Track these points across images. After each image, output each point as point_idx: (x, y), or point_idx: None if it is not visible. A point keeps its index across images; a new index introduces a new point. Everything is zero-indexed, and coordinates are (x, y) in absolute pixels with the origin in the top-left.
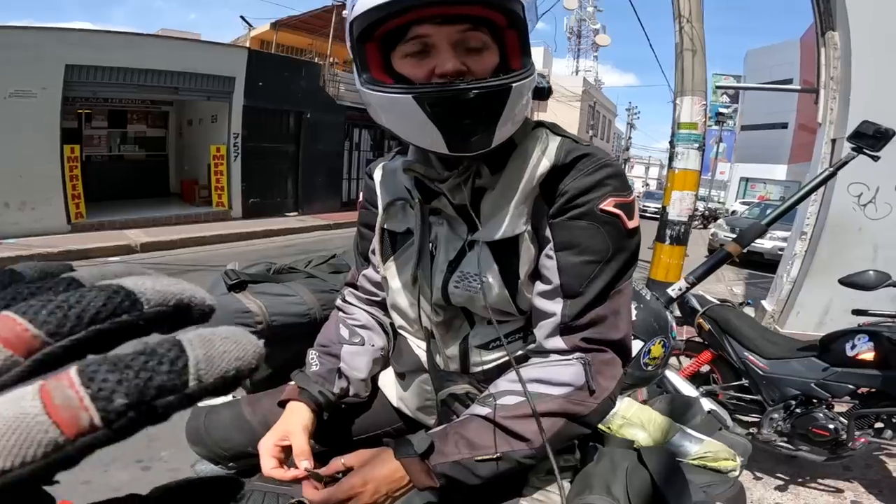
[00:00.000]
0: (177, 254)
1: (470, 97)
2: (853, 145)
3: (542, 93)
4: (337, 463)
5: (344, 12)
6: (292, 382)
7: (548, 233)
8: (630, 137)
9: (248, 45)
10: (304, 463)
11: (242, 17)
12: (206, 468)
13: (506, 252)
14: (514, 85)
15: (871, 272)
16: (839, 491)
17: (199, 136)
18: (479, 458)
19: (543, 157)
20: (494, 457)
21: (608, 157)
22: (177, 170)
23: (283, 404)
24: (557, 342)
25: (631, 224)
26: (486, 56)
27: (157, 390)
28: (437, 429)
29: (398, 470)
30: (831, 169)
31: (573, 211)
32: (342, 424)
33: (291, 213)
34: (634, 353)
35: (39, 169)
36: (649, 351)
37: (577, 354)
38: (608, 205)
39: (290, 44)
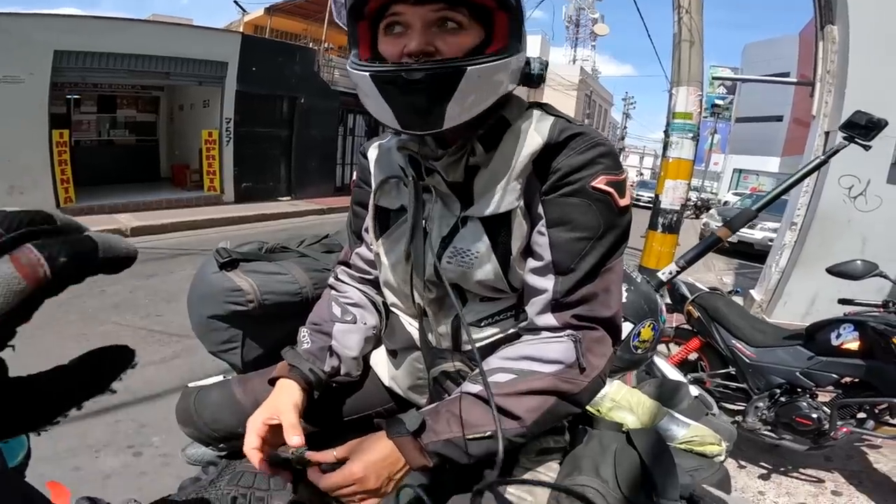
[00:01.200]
0: (167, 238)
1: (416, 78)
2: (845, 134)
3: (531, 79)
4: (329, 454)
5: None
6: (283, 360)
7: (540, 210)
8: (626, 127)
9: (241, 30)
10: (295, 439)
11: (236, 2)
12: (197, 451)
13: (498, 228)
14: (469, 68)
15: (858, 262)
16: (820, 481)
17: (191, 121)
18: (471, 436)
19: (537, 136)
20: (486, 435)
21: (601, 136)
22: (168, 154)
23: (273, 382)
24: (549, 319)
25: (622, 202)
26: (459, 37)
27: (82, 255)
28: (428, 407)
29: (393, 451)
30: (823, 157)
31: (565, 188)
32: (333, 404)
33: (284, 198)
34: (624, 335)
35: (28, 154)
36: (639, 333)
37: (568, 331)
38: (600, 182)
39: (284, 29)
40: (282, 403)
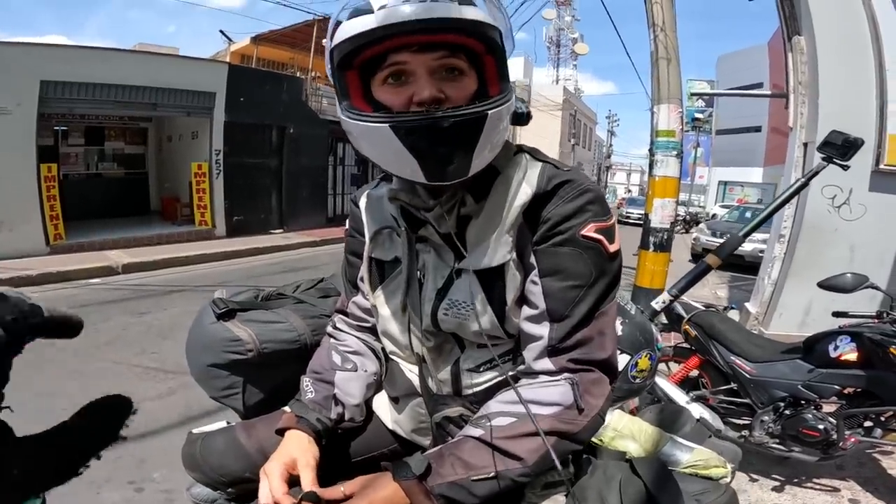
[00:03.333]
0: (159, 274)
1: (445, 126)
2: (823, 155)
3: (521, 118)
4: (336, 490)
5: (324, 41)
6: (288, 410)
7: (532, 259)
8: (611, 145)
9: (228, 59)
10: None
11: (222, 32)
12: (202, 492)
13: (492, 280)
14: (490, 112)
15: (848, 275)
16: (835, 490)
17: (180, 153)
18: (475, 477)
19: (526, 186)
20: (490, 476)
21: (588, 181)
22: (157, 187)
23: (280, 432)
24: (546, 364)
25: (612, 248)
26: (464, 82)
27: (28, 314)
28: (432, 451)
29: (398, 492)
30: (803, 179)
31: (556, 238)
32: (338, 448)
33: (276, 231)
34: (622, 366)
35: (15, 188)
36: (636, 364)
37: (565, 375)
38: (589, 230)
39: (271, 58)
40: (301, 455)
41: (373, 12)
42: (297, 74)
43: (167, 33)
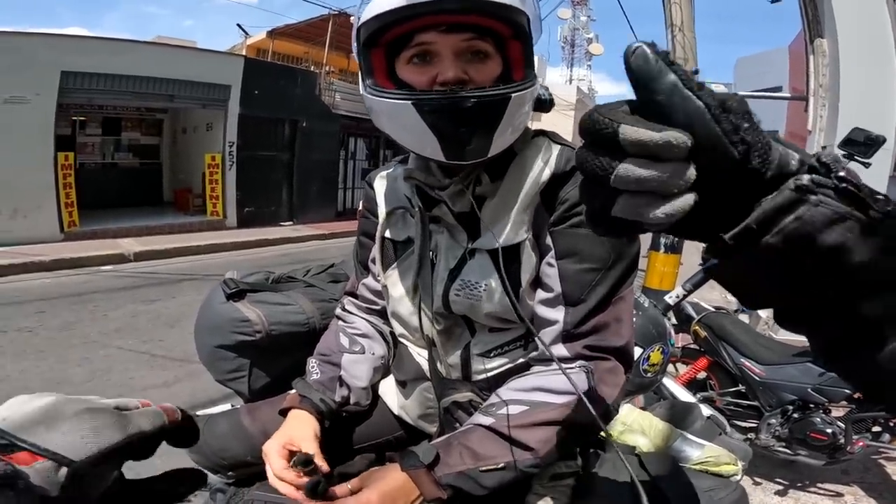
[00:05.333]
0: (170, 263)
1: (468, 105)
2: (844, 152)
3: (544, 104)
4: (343, 488)
5: (352, 18)
6: (293, 391)
7: (549, 241)
8: None
9: (244, 52)
10: (323, 467)
11: (239, 25)
12: None
13: (507, 260)
14: (513, 95)
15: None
16: (839, 495)
17: (194, 145)
18: (484, 468)
19: (544, 166)
20: (499, 467)
21: None
22: (170, 178)
23: (283, 413)
24: (560, 349)
25: None
26: (488, 65)
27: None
28: (440, 439)
29: (407, 482)
30: None
31: (574, 219)
32: (343, 433)
33: (286, 223)
34: (635, 358)
35: (33, 176)
36: (648, 357)
37: (580, 362)
38: None
39: (286, 52)
40: (300, 433)
41: None
42: (312, 69)
43: (185, 27)
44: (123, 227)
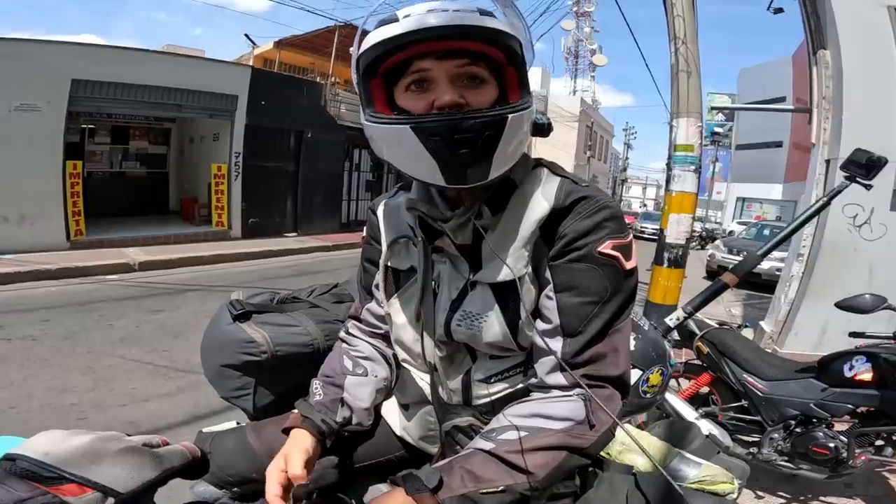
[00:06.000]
0: (175, 273)
1: (466, 127)
2: (846, 174)
3: (542, 129)
4: None
5: (351, 50)
6: (296, 411)
7: (548, 274)
8: (627, 158)
9: (251, 63)
10: (299, 487)
11: (247, 36)
12: (206, 490)
13: (507, 293)
14: (510, 116)
15: (867, 296)
16: None
17: (201, 154)
18: (484, 490)
19: (543, 200)
20: (499, 489)
21: (606, 198)
22: (177, 188)
23: (287, 432)
24: (558, 378)
25: (628, 265)
26: (484, 90)
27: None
28: (441, 462)
29: None
30: (825, 199)
31: (572, 254)
32: (345, 452)
33: (290, 234)
34: (633, 381)
35: (41, 184)
36: (648, 379)
37: (578, 390)
38: (606, 247)
39: (292, 63)
40: (291, 450)
41: (398, 21)
42: (318, 79)
43: (193, 36)
44: (129, 237)
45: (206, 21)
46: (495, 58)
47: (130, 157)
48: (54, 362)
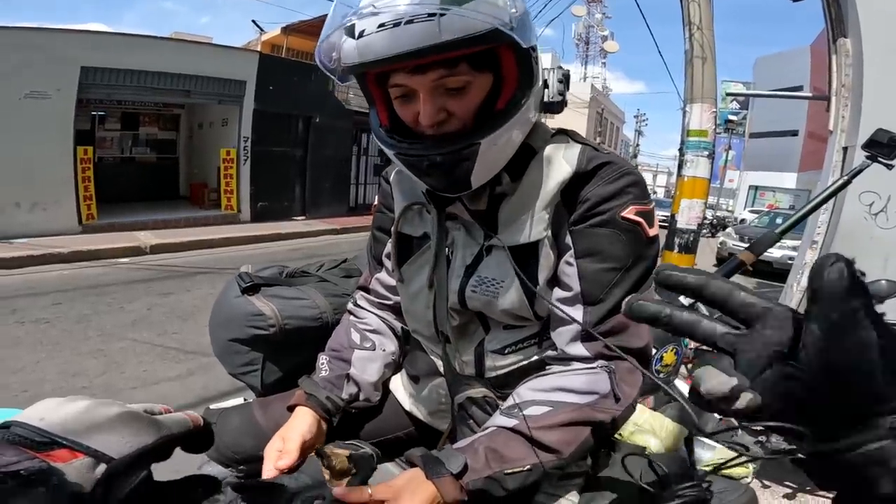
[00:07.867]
0: (185, 256)
1: (437, 162)
2: (867, 153)
3: (553, 107)
4: (363, 493)
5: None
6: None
7: (568, 240)
8: (638, 145)
9: (259, 49)
10: (281, 462)
11: (254, 22)
12: (213, 469)
13: (524, 258)
14: (481, 142)
15: (883, 282)
16: None
17: (210, 140)
18: (509, 470)
19: (565, 164)
20: (525, 469)
21: (629, 164)
22: (187, 173)
23: (291, 409)
24: (579, 349)
25: (651, 232)
26: (467, 97)
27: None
28: (463, 443)
29: (436, 495)
30: (846, 178)
31: (595, 218)
32: (353, 429)
33: (299, 217)
34: None
35: (52, 170)
36: (661, 358)
37: (601, 362)
38: (630, 212)
39: (300, 48)
40: (289, 429)
41: (356, 38)
42: None
43: (201, 24)
44: (140, 221)
45: (213, 9)
46: (479, 50)
47: (140, 143)
48: (66, 346)
